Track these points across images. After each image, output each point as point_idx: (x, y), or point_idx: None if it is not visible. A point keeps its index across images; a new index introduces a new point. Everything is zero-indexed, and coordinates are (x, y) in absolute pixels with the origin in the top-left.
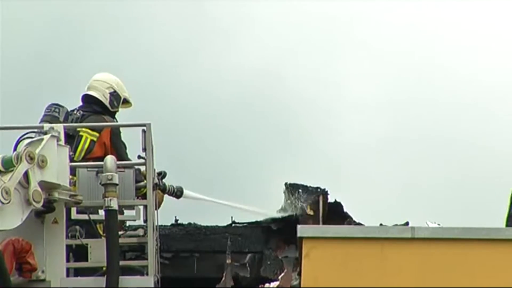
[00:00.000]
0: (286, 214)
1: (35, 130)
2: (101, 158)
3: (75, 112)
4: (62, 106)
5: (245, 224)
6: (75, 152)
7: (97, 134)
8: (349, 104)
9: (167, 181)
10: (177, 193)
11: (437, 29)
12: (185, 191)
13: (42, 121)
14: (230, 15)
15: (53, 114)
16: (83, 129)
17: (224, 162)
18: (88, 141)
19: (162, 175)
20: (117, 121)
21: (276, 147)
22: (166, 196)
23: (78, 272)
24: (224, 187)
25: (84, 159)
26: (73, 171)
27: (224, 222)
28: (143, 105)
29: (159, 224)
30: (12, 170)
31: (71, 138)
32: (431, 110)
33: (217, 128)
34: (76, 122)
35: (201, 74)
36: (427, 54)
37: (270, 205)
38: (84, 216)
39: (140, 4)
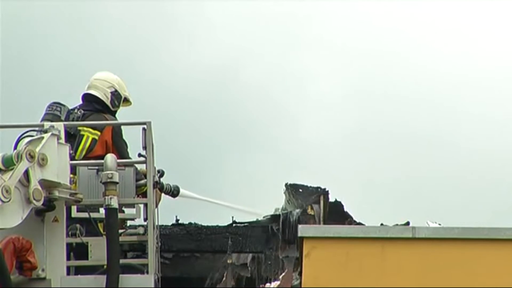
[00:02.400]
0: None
1: (36, 128)
2: (102, 157)
3: (75, 111)
4: (64, 105)
5: (245, 224)
6: (76, 151)
7: (99, 133)
8: (310, 101)
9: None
10: (174, 192)
11: (398, 24)
12: (181, 190)
13: (43, 119)
14: (189, 14)
15: (54, 112)
16: (85, 128)
17: (183, 159)
18: (90, 139)
19: (160, 173)
20: (117, 120)
21: (235, 144)
22: (163, 195)
23: (79, 271)
24: (180, 182)
25: (85, 157)
26: (73, 169)
27: (225, 222)
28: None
29: (160, 223)
30: (13, 169)
31: (72, 137)
32: (393, 105)
33: (176, 124)
34: (77, 120)
35: (161, 72)
36: (389, 49)
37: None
38: (85, 215)
39: (100, 4)
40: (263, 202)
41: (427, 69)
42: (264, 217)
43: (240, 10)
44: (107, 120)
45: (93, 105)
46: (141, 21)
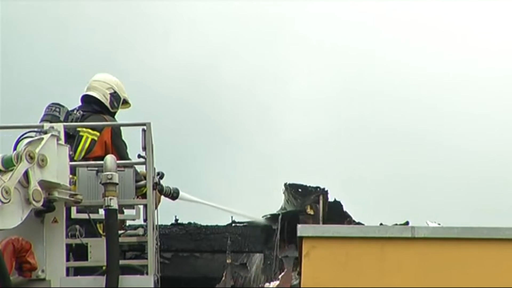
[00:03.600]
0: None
1: (35, 129)
2: (102, 158)
3: (74, 112)
4: (63, 106)
5: (245, 224)
6: (75, 151)
7: (98, 134)
8: (292, 101)
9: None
10: (173, 195)
11: (377, 24)
12: (181, 193)
13: (42, 120)
14: (167, 11)
15: (53, 113)
16: (84, 128)
17: (160, 157)
18: (89, 140)
19: (159, 175)
20: (116, 121)
21: (213, 144)
22: (162, 197)
23: (78, 271)
24: None
25: (84, 158)
26: (73, 170)
27: (224, 222)
28: (73, 101)
29: (159, 223)
30: (12, 170)
31: (72, 138)
32: (377, 103)
33: (154, 123)
34: (76, 122)
35: (139, 70)
36: (371, 47)
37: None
38: (84, 216)
39: (77, 4)
40: (242, 202)
41: (411, 67)
42: (263, 216)
43: (220, 8)
44: (106, 121)
45: (92, 106)
46: (119, 21)
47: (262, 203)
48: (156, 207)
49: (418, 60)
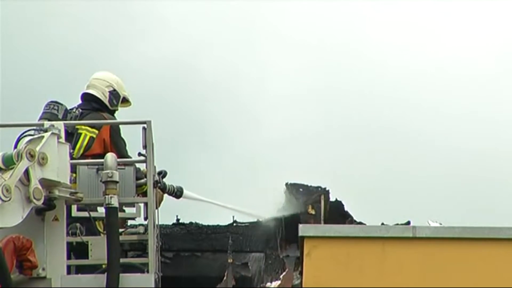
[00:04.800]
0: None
1: (36, 127)
2: (100, 155)
3: (74, 110)
4: (61, 104)
5: (246, 224)
6: (74, 149)
7: (96, 131)
8: (271, 99)
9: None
10: (177, 193)
11: (358, 21)
12: (185, 192)
13: (41, 118)
14: (145, 10)
15: (52, 111)
16: (82, 126)
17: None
18: (87, 138)
19: (162, 174)
20: (116, 119)
21: (191, 143)
22: (166, 196)
23: (79, 270)
24: None
25: (83, 156)
26: (73, 168)
27: (226, 221)
28: (53, 97)
29: (161, 223)
30: (13, 168)
31: (70, 135)
32: (355, 101)
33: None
34: (75, 119)
35: (117, 69)
36: (350, 45)
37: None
38: (85, 214)
39: (55, 3)
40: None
41: (389, 64)
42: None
43: (199, 7)
44: (105, 118)
45: (91, 104)
46: (98, 17)
47: (243, 203)
48: (159, 206)
49: (401, 57)
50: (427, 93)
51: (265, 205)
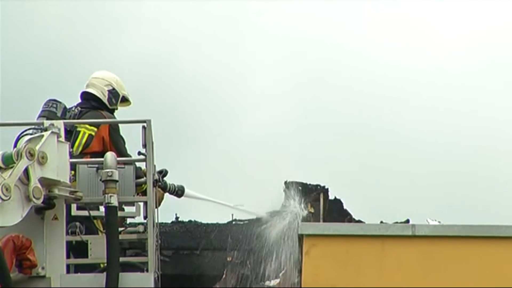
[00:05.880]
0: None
1: (35, 126)
2: (99, 153)
3: (73, 109)
4: (60, 102)
5: (245, 222)
6: (72, 146)
7: (95, 129)
8: (252, 96)
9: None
10: (178, 192)
11: (343, 15)
12: (186, 190)
13: (39, 116)
14: (125, 8)
15: (50, 109)
16: (81, 124)
17: None
18: (86, 135)
19: (163, 173)
20: (115, 118)
21: (172, 141)
22: (167, 194)
23: (78, 269)
24: None
25: (81, 153)
26: (73, 167)
27: (225, 219)
28: (41, 96)
29: (160, 221)
30: (12, 167)
31: (69, 133)
32: (339, 98)
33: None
34: (74, 118)
35: (98, 66)
36: (332, 41)
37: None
38: (84, 213)
39: (35, 3)
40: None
41: (372, 60)
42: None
43: (179, 4)
44: (104, 116)
45: (90, 103)
46: (76, 13)
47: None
48: (159, 205)
49: (388, 54)
50: (423, 92)
51: (264, 203)
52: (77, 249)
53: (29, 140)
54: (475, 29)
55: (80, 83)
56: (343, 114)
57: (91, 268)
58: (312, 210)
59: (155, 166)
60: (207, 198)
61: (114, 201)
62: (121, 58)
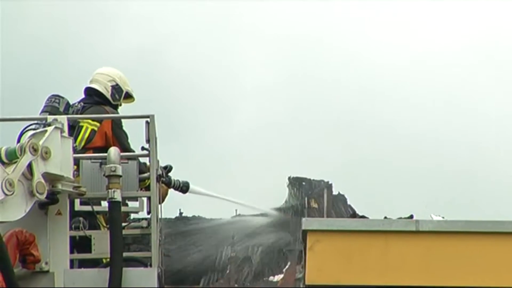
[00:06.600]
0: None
1: (38, 121)
2: (102, 148)
3: (76, 104)
4: (63, 97)
5: (248, 216)
6: (75, 141)
7: (98, 124)
8: (243, 90)
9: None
10: (183, 188)
11: (332, 10)
12: (191, 186)
13: (42, 112)
14: (115, 2)
15: (53, 104)
16: (84, 119)
17: None
18: (89, 130)
19: (168, 169)
20: (118, 113)
21: (162, 135)
22: (171, 190)
23: (82, 264)
24: None
25: (84, 148)
26: (76, 162)
27: (229, 215)
28: (30, 91)
29: (164, 216)
30: (16, 162)
31: (72, 128)
32: (327, 91)
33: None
34: (76, 113)
35: (88, 61)
36: (320, 36)
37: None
38: (88, 208)
39: (27, 3)
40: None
41: (362, 55)
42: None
43: (170, 2)
44: (107, 111)
45: (94, 98)
46: (64, 8)
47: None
48: (163, 201)
49: (381, 50)
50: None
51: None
52: (80, 244)
53: (33, 135)
54: (472, 26)
55: (72, 79)
56: (337, 109)
57: (95, 263)
58: (315, 206)
59: (158, 161)
60: (213, 194)
61: (118, 196)
62: (112, 55)
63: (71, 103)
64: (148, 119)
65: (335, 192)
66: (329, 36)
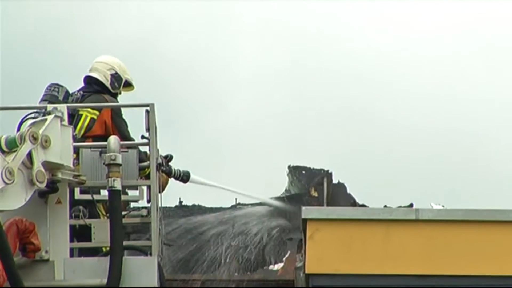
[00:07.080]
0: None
1: (38, 110)
2: (101, 137)
3: (75, 93)
4: (62, 86)
5: (249, 206)
6: (74, 130)
7: (98, 112)
8: (238, 81)
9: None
10: (184, 178)
11: (324, 3)
12: (192, 176)
13: (42, 100)
14: None
15: (52, 93)
16: (83, 107)
17: None
18: (88, 119)
19: (168, 158)
20: (118, 102)
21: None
22: (172, 180)
23: (82, 253)
24: None
25: (83, 137)
26: (76, 150)
27: (229, 203)
28: (23, 80)
29: (164, 205)
30: (16, 151)
31: (71, 117)
32: (324, 82)
33: None
34: (76, 102)
35: (79, 49)
36: (315, 25)
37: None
38: (88, 197)
39: None
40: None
41: (361, 46)
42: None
43: None
44: (106, 100)
45: (93, 87)
46: (60, 4)
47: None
48: (163, 190)
49: (368, 40)
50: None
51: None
52: (80, 233)
53: (33, 123)
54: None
55: (65, 68)
56: (337, 98)
57: (95, 252)
58: (315, 194)
59: (158, 150)
60: (214, 184)
61: (118, 185)
62: (103, 43)
63: (70, 91)
64: (148, 108)
65: (335, 181)
66: (328, 27)
